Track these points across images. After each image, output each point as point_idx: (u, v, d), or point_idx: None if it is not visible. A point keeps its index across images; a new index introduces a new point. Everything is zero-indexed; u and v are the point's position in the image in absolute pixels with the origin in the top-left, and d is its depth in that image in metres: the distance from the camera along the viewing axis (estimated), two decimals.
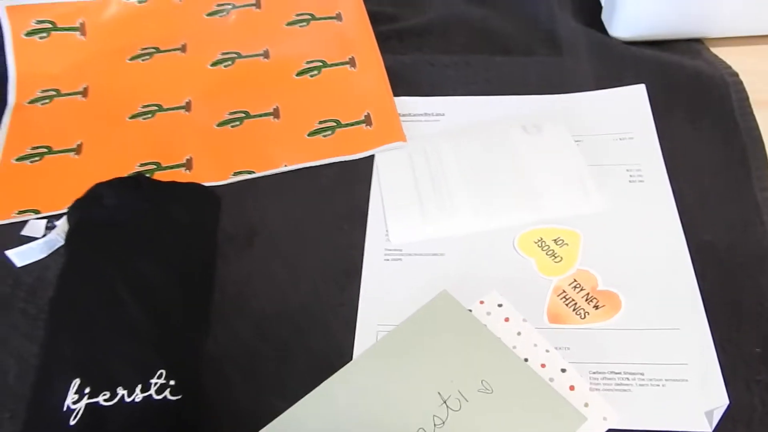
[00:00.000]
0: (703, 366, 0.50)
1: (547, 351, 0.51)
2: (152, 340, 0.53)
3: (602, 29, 0.73)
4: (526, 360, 0.51)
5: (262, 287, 0.57)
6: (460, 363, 0.51)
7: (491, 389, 0.49)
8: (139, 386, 0.50)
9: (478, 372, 0.50)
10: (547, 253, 0.56)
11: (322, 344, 0.54)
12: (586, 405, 0.48)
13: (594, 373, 0.50)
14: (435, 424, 0.48)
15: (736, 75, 0.68)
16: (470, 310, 0.53)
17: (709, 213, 0.58)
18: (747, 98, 0.66)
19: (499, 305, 0.53)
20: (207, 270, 0.59)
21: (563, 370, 0.50)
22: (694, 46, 0.72)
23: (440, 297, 0.54)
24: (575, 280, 0.55)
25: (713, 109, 0.66)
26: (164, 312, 0.54)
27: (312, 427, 0.49)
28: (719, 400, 0.48)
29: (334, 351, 0.53)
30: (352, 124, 0.67)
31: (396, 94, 0.69)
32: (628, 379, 0.50)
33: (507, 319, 0.53)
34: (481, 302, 0.54)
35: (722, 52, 0.71)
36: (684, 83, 0.68)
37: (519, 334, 0.52)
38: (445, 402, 0.49)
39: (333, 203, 0.62)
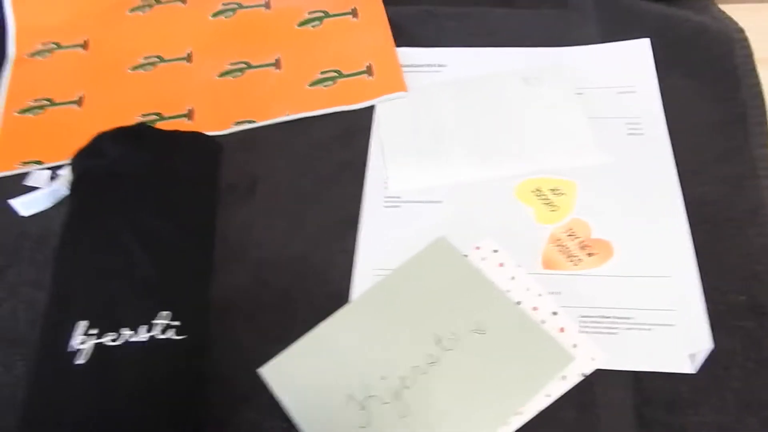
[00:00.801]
0: (690, 312, 0.54)
1: (540, 295, 0.56)
2: (156, 285, 0.57)
3: None
4: (518, 303, 0.55)
5: (263, 235, 0.62)
6: (454, 305, 0.55)
7: (484, 330, 0.54)
8: (143, 327, 0.55)
9: (472, 314, 0.55)
10: (543, 202, 0.61)
11: (320, 290, 0.58)
12: (575, 346, 0.53)
13: (584, 317, 0.55)
14: (429, 363, 0.53)
15: (742, 32, 0.70)
16: (466, 256, 0.58)
17: (706, 167, 0.62)
18: (751, 55, 0.69)
19: (495, 251, 0.58)
20: (209, 217, 0.63)
21: (554, 313, 0.55)
22: (701, 1, 0.75)
23: (437, 242, 0.59)
24: (570, 229, 0.59)
25: (717, 65, 0.69)
26: (168, 258, 0.59)
27: (310, 367, 0.54)
28: (703, 344, 0.53)
29: (333, 296, 0.58)
30: (353, 75, 0.71)
31: (397, 45, 0.72)
32: (616, 322, 0.54)
33: (501, 264, 0.57)
34: (477, 248, 0.58)
35: (730, 9, 0.73)
36: (689, 38, 0.71)
37: (513, 278, 0.56)
38: (439, 342, 0.54)
39: (333, 153, 0.66)
